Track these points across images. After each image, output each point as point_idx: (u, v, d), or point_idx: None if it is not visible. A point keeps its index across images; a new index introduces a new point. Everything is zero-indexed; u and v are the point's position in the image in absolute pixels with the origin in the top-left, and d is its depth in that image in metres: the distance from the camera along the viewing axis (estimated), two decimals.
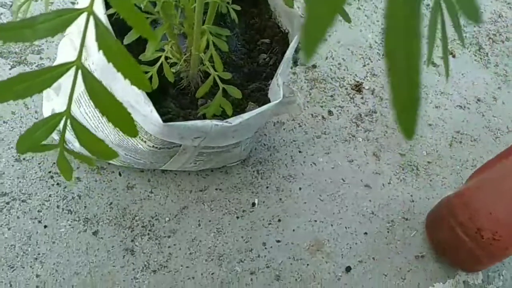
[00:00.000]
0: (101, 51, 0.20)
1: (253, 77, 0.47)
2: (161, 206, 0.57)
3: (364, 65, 0.82)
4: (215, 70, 0.34)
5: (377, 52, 0.85)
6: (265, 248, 0.59)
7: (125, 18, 0.19)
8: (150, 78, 0.34)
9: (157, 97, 0.38)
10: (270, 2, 0.51)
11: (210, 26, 0.33)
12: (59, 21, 0.21)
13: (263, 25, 0.51)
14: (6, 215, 0.51)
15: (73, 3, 0.71)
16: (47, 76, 0.21)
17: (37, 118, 0.58)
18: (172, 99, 0.42)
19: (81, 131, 0.22)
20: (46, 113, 0.56)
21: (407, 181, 0.70)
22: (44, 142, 0.24)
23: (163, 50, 0.34)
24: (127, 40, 0.31)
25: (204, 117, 0.40)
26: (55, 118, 0.22)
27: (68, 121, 0.22)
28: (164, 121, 0.37)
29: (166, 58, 0.35)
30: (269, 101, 0.45)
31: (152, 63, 0.35)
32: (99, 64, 0.36)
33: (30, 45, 0.63)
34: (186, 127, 0.37)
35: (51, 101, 0.53)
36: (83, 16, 0.21)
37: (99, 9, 0.36)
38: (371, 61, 0.83)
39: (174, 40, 0.34)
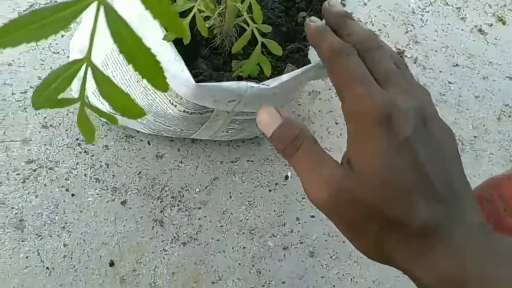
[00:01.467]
0: None
1: (292, 36, 0.43)
2: (191, 176, 0.55)
3: (406, 32, 0.76)
4: (254, 22, 0.30)
5: (421, 18, 0.79)
6: (299, 223, 0.56)
7: None
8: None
9: (188, 57, 0.35)
10: None
11: None
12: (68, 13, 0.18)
13: None
14: (33, 183, 0.50)
15: None
16: (66, 13, 0.18)
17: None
18: (203, 59, 0.39)
19: (103, 81, 0.19)
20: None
21: None
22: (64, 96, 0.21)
23: (195, 1, 0.31)
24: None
25: (239, 79, 0.37)
26: (74, 66, 0.19)
27: (89, 70, 0.19)
28: (197, 81, 0.33)
29: (199, 11, 0.31)
30: (309, 62, 0.41)
31: (182, 16, 0.32)
32: (126, 14, 0.33)
33: None
34: (220, 89, 0.33)
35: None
36: None
37: None
38: (414, 28, 0.77)
39: None
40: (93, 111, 0.22)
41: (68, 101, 0.21)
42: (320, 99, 0.65)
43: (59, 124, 0.54)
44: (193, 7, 0.30)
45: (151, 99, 0.41)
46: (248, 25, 0.33)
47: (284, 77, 0.36)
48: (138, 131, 0.55)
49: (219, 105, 0.37)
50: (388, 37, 0.75)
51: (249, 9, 0.30)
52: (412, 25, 0.77)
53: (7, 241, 0.47)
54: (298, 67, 0.40)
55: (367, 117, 0.26)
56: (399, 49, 0.73)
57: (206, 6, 0.31)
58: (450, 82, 0.73)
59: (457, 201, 0.26)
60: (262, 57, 0.31)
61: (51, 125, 0.54)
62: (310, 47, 0.42)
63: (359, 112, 0.27)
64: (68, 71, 0.19)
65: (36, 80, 0.56)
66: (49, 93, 0.20)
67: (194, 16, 0.31)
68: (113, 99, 0.20)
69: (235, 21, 0.33)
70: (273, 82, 0.35)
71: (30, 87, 0.55)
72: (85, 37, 0.47)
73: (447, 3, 0.81)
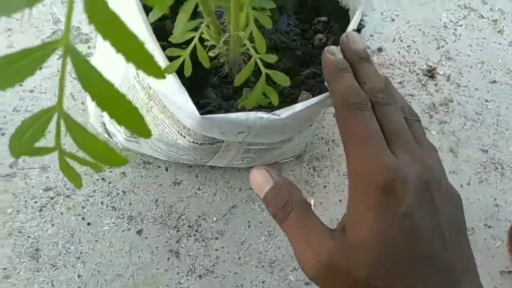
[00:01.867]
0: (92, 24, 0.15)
1: (308, 61, 0.41)
2: (209, 204, 0.53)
3: (438, 48, 0.72)
4: (257, 52, 0.28)
5: (453, 33, 0.74)
6: None
7: None
8: (183, 64, 0.29)
9: (197, 86, 0.33)
10: None
11: None
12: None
13: (319, 1, 0.44)
14: (50, 211, 0.50)
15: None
16: (28, 60, 0.16)
17: (83, 110, 0.56)
18: (213, 88, 0.37)
19: (75, 129, 0.18)
20: (90, 105, 0.54)
21: (490, 181, 0.60)
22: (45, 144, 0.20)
23: (196, 31, 0.29)
24: (152, 17, 0.26)
25: (252, 109, 0.35)
26: (45, 115, 0.18)
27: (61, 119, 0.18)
28: (202, 113, 0.32)
29: (202, 39, 0.30)
30: (326, 90, 0.38)
31: (183, 46, 0.30)
32: None
33: (78, 34, 0.61)
34: (227, 120, 0.32)
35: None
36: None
37: None
38: (446, 43, 0.73)
39: (210, 18, 0.28)
40: (71, 159, 0.21)
41: (46, 150, 0.20)
42: None
43: (77, 151, 0.53)
44: (194, 37, 0.28)
45: (161, 129, 0.40)
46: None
47: (297, 107, 0.33)
48: (155, 157, 0.54)
49: (227, 137, 0.35)
50: (418, 53, 0.71)
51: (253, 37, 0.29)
52: (444, 40, 0.73)
53: (22, 271, 0.46)
54: (313, 95, 0.38)
55: (370, 183, 0.25)
56: (430, 66, 0.69)
57: (209, 35, 0.30)
58: (487, 101, 0.68)
59: (457, 285, 0.25)
60: (267, 87, 0.29)
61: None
62: None
63: (362, 175, 0.26)
64: (40, 120, 0.18)
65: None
66: (24, 142, 0.19)
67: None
68: (89, 148, 0.19)
69: (241, 50, 0.31)
70: (285, 112, 0.33)
71: None
72: (100, 62, 0.46)
73: (482, 16, 0.76)
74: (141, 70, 0.17)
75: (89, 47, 0.61)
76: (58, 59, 0.59)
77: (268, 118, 0.33)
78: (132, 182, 0.53)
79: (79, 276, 0.47)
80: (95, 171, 0.53)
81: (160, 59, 0.31)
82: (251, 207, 0.54)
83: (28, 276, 0.46)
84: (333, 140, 0.60)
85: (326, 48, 0.32)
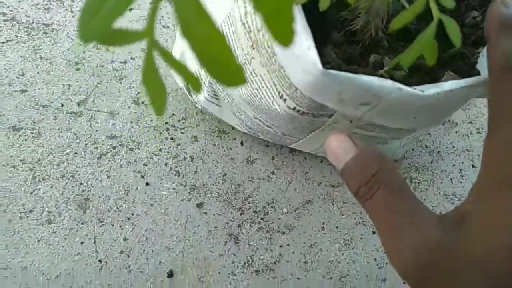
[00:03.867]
0: None
1: None
2: (281, 193, 0.46)
3: None
4: None
5: None
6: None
7: None
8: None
9: (315, 39, 0.26)
10: None
11: None
12: None
13: None
14: (109, 161, 0.44)
15: None
16: None
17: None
18: (334, 46, 0.29)
19: (188, 3, 0.11)
20: (176, 55, 0.48)
21: None
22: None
23: None
24: None
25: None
26: None
27: None
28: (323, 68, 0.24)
29: None
30: (477, 75, 0.29)
31: None
32: None
33: None
34: (355, 82, 0.24)
35: (180, 43, 0.45)
36: None
37: None
38: None
39: None
40: (167, 61, 0.14)
41: (130, 35, 0.13)
42: (456, 132, 0.52)
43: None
44: None
45: (256, 88, 0.33)
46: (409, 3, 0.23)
47: (448, 85, 0.25)
48: (233, 128, 0.48)
49: (344, 107, 0.27)
50: None
51: None
52: None
53: (66, 220, 0.41)
54: (460, 77, 0.29)
55: None
56: None
57: None
58: None
59: None
60: (435, 43, 0.21)
61: (142, 102, 0.48)
62: (481, 54, 0.31)
63: (507, 158, 0.20)
64: None
65: (139, 52, 0.51)
66: (101, 18, 0.12)
67: None
68: (201, 39, 0.12)
69: None
70: (431, 89, 0.25)
71: (131, 58, 0.50)
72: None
73: None
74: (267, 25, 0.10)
75: None
76: None
77: (407, 92, 0.25)
78: (203, 149, 0.47)
79: (125, 239, 0.41)
80: (192, 90, 0.46)
81: None
82: (329, 207, 0.46)
83: (71, 226, 0.41)
84: (438, 152, 0.50)
85: None
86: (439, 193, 0.48)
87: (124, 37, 0.13)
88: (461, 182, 0.49)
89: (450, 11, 0.34)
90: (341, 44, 0.30)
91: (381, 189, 0.22)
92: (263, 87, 0.32)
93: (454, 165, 0.50)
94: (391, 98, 0.25)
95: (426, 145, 0.51)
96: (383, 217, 0.22)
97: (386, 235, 0.23)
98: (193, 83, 0.14)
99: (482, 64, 0.30)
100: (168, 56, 0.14)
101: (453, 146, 0.51)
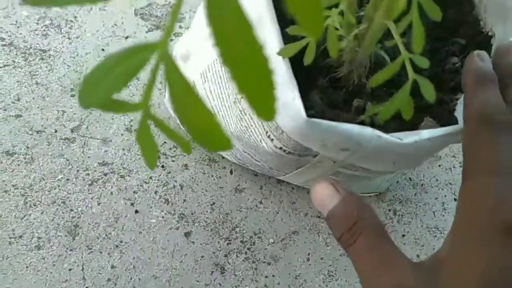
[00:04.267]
0: None
1: (435, 85, 0.33)
2: (268, 223, 0.47)
3: None
4: (408, 51, 0.22)
5: None
6: None
7: None
8: (303, 51, 0.23)
9: (300, 85, 0.27)
10: None
11: None
12: None
13: (459, 20, 0.37)
14: (100, 187, 0.45)
15: None
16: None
17: (160, 89, 0.52)
18: (319, 91, 0.31)
19: (179, 85, 0.12)
20: (177, 54, 0.49)
21: None
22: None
23: (330, 9, 0.23)
24: None
25: (361, 124, 0.28)
26: (141, 53, 0.12)
27: (162, 62, 0.12)
28: (307, 116, 0.25)
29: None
30: (454, 121, 0.31)
31: None
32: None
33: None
34: (336, 131, 0.25)
35: (185, 44, 0.45)
36: None
37: None
38: None
39: (349, 2, 0.22)
40: (159, 126, 0.15)
41: (128, 106, 0.14)
42: (440, 165, 0.53)
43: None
44: (326, 17, 0.22)
45: (245, 126, 0.34)
46: (391, 57, 0.25)
47: (425, 134, 0.26)
48: (223, 157, 0.49)
49: (327, 152, 0.28)
50: None
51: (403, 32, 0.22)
52: None
53: (55, 246, 0.42)
54: (439, 124, 0.31)
55: (490, 220, 0.21)
56: None
57: (342, 23, 0.23)
58: None
59: None
60: (410, 100, 0.23)
61: (135, 130, 0.49)
62: (460, 102, 0.32)
63: (481, 208, 0.22)
64: (131, 60, 0.12)
65: (134, 79, 0.52)
66: (102, 89, 0.13)
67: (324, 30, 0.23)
68: (191, 117, 0.13)
69: (376, 48, 0.25)
70: (409, 137, 0.26)
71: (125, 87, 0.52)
72: (190, 42, 0.42)
73: None
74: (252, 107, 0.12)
75: (180, 27, 0.57)
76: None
77: (386, 140, 0.26)
78: (193, 178, 0.48)
79: (112, 266, 0.42)
80: (181, 151, 0.48)
81: (275, 41, 0.25)
82: (314, 239, 0.47)
83: (60, 253, 0.42)
84: (422, 185, 0.52)
85: (476, 52, 0.27)
86: (422, 225, 0.49)
87: (121, 107, 0.15)
88: (443, 215, 0.50)
89: (430, 54, 0.36)
90: (326, 89, 0.31)
91: (362, 235, 0.24)
92: (251, 125, 0.34)
93: (437, 198, 0.51)
94: (371, 145, 0.26)
95: (410, 178, 0.52)
96: (363, 262, 0.24)
97: (366, 278, 0.24)
98: (185, 146, 0.16)
99: (460, 111, 0.32)
100: (160, 124, 0.15)
101: (437, 180, 0.52)
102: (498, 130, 0.23)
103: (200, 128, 0.13)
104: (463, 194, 0.24)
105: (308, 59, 0.24)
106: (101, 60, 0.13)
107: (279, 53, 0.23)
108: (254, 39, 0.11)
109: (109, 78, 0.13)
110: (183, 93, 0.13)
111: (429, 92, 0.22)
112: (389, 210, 0.50)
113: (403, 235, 0.48)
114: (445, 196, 0.51)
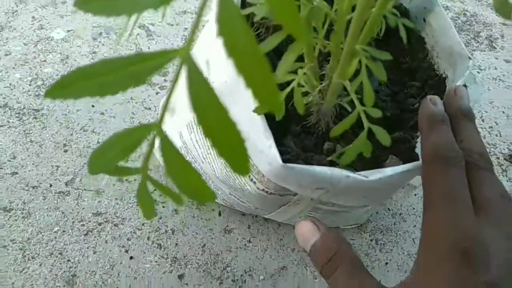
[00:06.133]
0: (230, 59, 0.13)
1: (397, 124, 0.38)
2: (258, 260, 0.49)
3: None
4: (362, 104, 0.26)
5: None
6: None
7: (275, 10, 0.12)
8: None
9: (276, 132, 0.31)
10: (426, 40, 0.42)
11: (365, 47, 0.25)
12: None
13: (414, 66, 0.42)
14: (95, 237, 0.47)
15: None
16: (142, 68, 0.14)
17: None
18: (293, 137, 0.34)
19: (171, 155, 0.15)
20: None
21: None
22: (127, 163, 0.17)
23: (295, 73, 0.27)
24: (267, 46, 0.24)
25: (331, 163, 0.32)
26: (141, 131, 0.16)
27: (158, 139, 0.16)
28: (283, 161, 0.29)
29: (298, 85, 0.28)
30: (415, 158, 0.35)
31: (279, 88, 0.28)
32: (216, 80, 0.30)
33: None
34: (309, 174, 0.28)
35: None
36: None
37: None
38: None
39: (312, 63, 0.26)
40: (155, 186, 0.18)
41: (130, 171, 0.18)
42: (415, 194, 0.57)
43: (134, 180, 0.52)
44: (291, 80, 0.26)
45: (229, 171, 0.38)
46: (352, 107, 0.29)
47: (388, 171, 0.30)
48: None
49: (303, 191, 0.32)
50: (500, 136, 0.66)
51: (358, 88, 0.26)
52: None
53: None
54: (401, 161, 0.34)
55: (448, 247, 0.23)
56: None
57: (306, 81, 0.27)
58: None
59: None
60: (369, 145, 0.26)
61: (126, 180, 0.52)
62: (419, 140, 0.36)
63: (439, 237, 0.24)
64: (133, 136, 0.16)
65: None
66: (109, 159, 0.17)
67: (291, 90, 0.27)
68: (180, 178, 0.16)
69: (337, 101, 0.29)
70: (374, 175, 0.30)
71: None
72: (176, 96, 0.45)
73: None
74: (229, 165, 0.15)
75: (165, 80, 0.61)
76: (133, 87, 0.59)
77: (354, 178, 0.29)
78: (183, 222, 0.50)
79: None
80: (175, 204, 0.51)
81: (251, 102, 0.29)
82: (303, 272, 0.49)
83: None
84: (400, 214, 0.55)
85: (428, 97, 0.31)
86: (403, 253, 0.52)
87: (125, 171, 0.18)
88: None
89: (391, 98, 0.40)
90: (299, 135, 0.35)
91: (340, 267, 0.27)
92: None
93: (415, 225, 0.54)
94: (342, 184, 0.29)
95: (389, 208, 0.55)
96: None
97: None
98: (178, 201, 0.19)
99: (420, 148, 0.36)
100: (157, 184, 0.18)
101: (413, 208, 0.56)
102: (449, 166, 0.27)
103: (189, 187, 0.16)
104: (423, 225, 0.27)
105: (278, 116, 0.27)
106: (108, 137, 0.16)
107: (254, 111, 0.27)
108: (229, 120, 0.14)
109: (113, 151, 0.17)
110: (175, 162, 0.16)
111: (383, 137, 0.25)
112: (371, 240, 0.53)
113: (386, 263, 0.51)
114: None
